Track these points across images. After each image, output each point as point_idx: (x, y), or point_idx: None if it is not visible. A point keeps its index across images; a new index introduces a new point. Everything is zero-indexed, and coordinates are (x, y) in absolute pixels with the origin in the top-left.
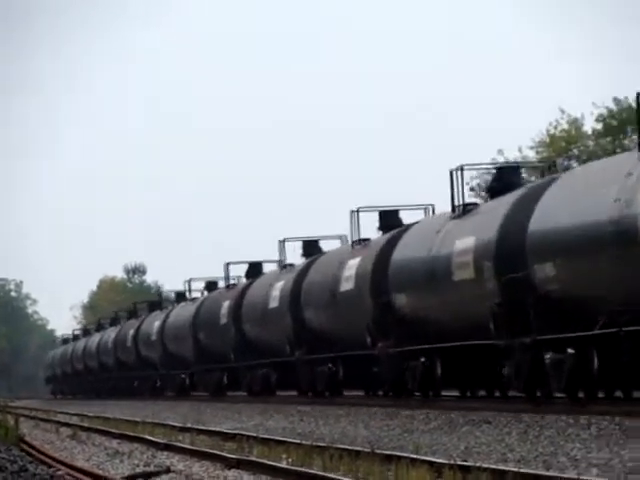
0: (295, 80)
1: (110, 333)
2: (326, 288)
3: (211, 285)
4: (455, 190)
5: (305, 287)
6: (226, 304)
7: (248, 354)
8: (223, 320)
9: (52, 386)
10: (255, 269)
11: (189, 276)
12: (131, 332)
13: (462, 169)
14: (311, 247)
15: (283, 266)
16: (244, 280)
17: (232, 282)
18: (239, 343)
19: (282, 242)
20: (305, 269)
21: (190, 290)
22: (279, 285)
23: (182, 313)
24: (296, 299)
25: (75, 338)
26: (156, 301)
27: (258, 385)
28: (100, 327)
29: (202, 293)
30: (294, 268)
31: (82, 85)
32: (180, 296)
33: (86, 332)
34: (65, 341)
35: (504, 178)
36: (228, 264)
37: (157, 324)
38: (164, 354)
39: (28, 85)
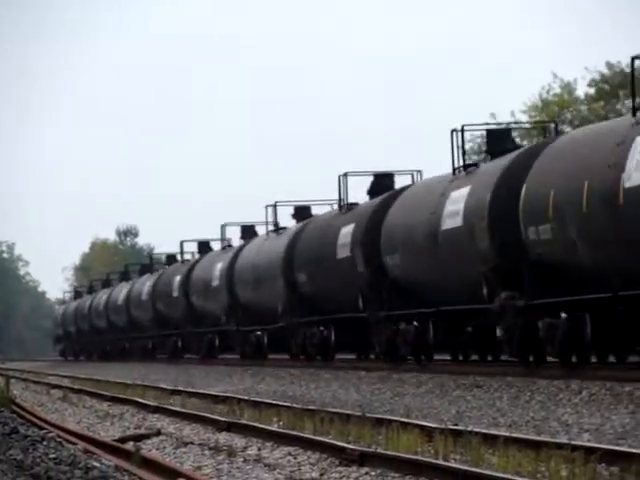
0: (286, 46)
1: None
2: (319, 253)
3: (203, 246)
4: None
5: (297, 252)
6: (219, 266)
7: (241, 317)
8: (215, 283)
9: (63, 346)
10: (249, 231)
11: (181, 239)
12: (122, 294)
13: (463, 130)
14: (303, 211)
15: (274, 230)
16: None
17: (226, 244)
18: (231, 306)
19: (274, 206)
20: (297, 233)
21: (182, 252)
22: (270, 248)
23: (174, 275)
24: (289, 263)
25: (91, 291)
26: (147, 264)
27: (250, 348)
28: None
29: (193, 255)
30: (286, 231)
31: (79, 47)
32: (171, 258)
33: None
34: (78, 294)
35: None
36: (224, 225)
37: (148, 285)
38: (155, 316)
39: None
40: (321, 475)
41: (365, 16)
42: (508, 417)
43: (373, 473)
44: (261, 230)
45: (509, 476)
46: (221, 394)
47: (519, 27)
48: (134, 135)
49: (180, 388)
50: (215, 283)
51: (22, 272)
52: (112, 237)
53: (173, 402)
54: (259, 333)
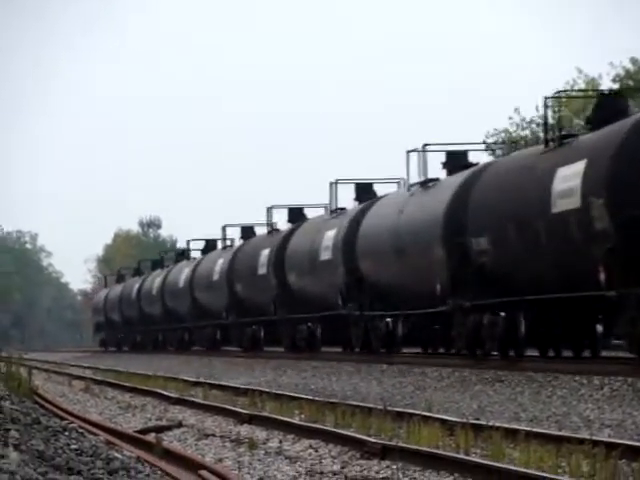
0: (286, 54)
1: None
2: (307, 254)
3: (209, 245)
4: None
5: (288, 252)
6: (220, 263)
7: (239, 312)
8: (215, 278)
9: (103, 335)
10: (248, 232)
11: (204, 231)
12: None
13: (424, 149)
14: (296, 214)
15: (269, 231)
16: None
17: (228, 243)
18: (231, 301)
19: (270, 209)
20: (288, 235)
21: (190, 250)
22: (266, 251)
23: (180, 272)
24: (280, 263)
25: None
26: (158, 259)
27: (248, 341)
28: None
29: (200, 253)
30: (280, 233)
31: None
32: (180, 256)
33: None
34: (121, 277)
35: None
36: (225, 226)
37: (158, 281)
38: (164, 310)
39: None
40: (342, 468)
41: (360, 24)
42: (529, 412)
43: (394, 466)
44: (259, 231)
45: (530, 471)
46: (243, 386)
47: (544, 23)
48: (156, 129)
49: (202, 380)
50: (215, 278)
51: (45, 263)
52: (135, 228)
53: (195, 394)
54: (254, 327)
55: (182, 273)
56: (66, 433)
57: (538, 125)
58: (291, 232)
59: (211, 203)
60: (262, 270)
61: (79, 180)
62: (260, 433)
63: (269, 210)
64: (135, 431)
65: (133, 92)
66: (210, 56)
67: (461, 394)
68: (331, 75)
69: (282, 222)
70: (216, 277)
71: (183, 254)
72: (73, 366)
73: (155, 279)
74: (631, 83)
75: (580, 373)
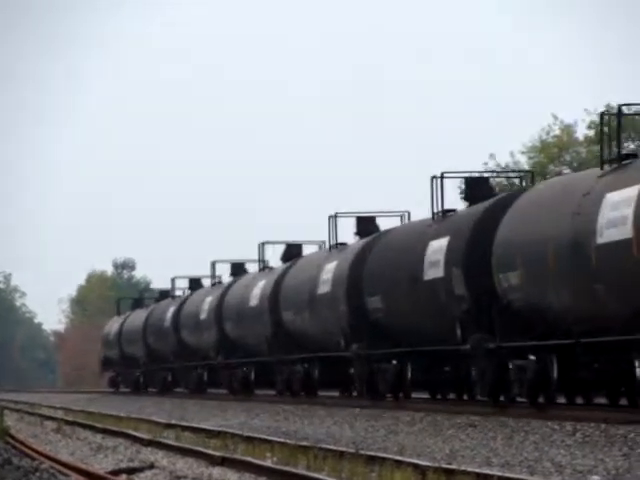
0: (281, 86)
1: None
2: (304, 290)
3: (194, 283)
4: (435, 196)
5: (226, 303)
6: (208, 301)
7: (229, 352)
8: (203, 316)
9: (111, 375)
10: (239, 269)
11: (177, 272)
12: (114, 328)
13: (442, 176)
14: (292, 251)
15: (213, 284)
16: (228, 279)
17: (217, 280)
18: (220, 341)
19: (262, 245)
20: (284, 271)
21: (174, 288)
22: (209, 299)
23: (164, 310)
24: (219, 312)
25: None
26: (139, 298)
27: (237, 383)
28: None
29: (184, 292)
30: (220, 286)
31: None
32: (164, 294)
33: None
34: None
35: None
36: (214, 262)
37: (141, 319)
38: (147, 350)
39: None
40: None
41: (367, 53)
42: (501, 457)
43: None
44: (251, 268)
45: None
46: (215, 428)
47: (520, 67)
48: (131, 171)
49: (174, 422)
50: (203, 317)
51: (18, 303)
52: (109, 269)
53: (167, 435)
54: (245, 369)
55: (167, 312)
56: (37, 474)
57: (513, 171)
58: (229, 285)
59: (191, 243)
60: (204, 317)
61: (53, 220)
62: (232, 475)
63: (261, 246)
64: (107, 472)
65: (109, 124)
66: (199, 86)
67: (433, 438)
68: (322, 106)
69: (274, 259)
70: (204, 316)
71: (167, 293)
72: (45, 406)
73: (135, 318)
74: (606, 130)
75: (553, 419)
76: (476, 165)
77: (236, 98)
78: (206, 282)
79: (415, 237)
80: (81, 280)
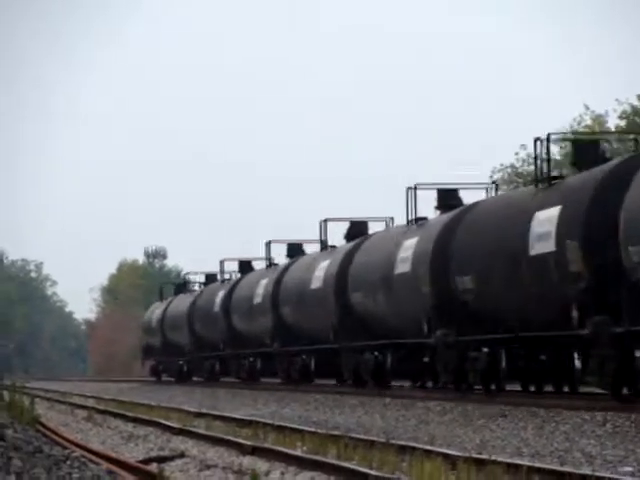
0: (274, 95)
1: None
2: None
3: (245, 266)
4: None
5: (283, 285)
6: (262, 284)
7: (286, 339)
8: (257, 300)
9: (153, 363)
10: (296, 250)
11: (210, 262)
12: (156, 314)
13: (416, 188)
14: (295, 249)
15: (268, 265)
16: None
17: (271, 262)
18: (277, 327)
19: (268, 243)
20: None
21: (223, 271)
22: (264, 282)
23: (213, 294)
24: (276, 296)
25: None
26: (183, 282)
27: (296, 372)
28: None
29: (231, 275)
30: (277, 268)
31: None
32: (210, 277)
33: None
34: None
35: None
36: (223, 261)
37: (185, 305)
38: (163, 340)
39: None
40: None
41: (373, 50)
42: (532, 447)
43: None
44: (258, 265)
45: None
46: (245, 418)
47: (552, 58)
48: (162, 158)
49: (204, 411)
50: (215, 310)
51: (49, 292)
52: (140, 258)
53: (197, 425)
54: (305, 357)
55: (215, 296)
56: (68, 462)
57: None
58: (287, 266)
59: (211, 235)
60: (258, 302)
61: (84, 209)
62: (262, 464)
63: (267, 245)
64: (137, 461)
65: (136, 124)
66: (208, 91)
67: (464, 428)
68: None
69: (281, 257)
70: (216, 309)
71: (215, 276)
72: (76, 395)
73: (179, 304)
74: (638, 120)
75: (583, 409)
76: (509, 157)
77: (249, 99)
78: (258, 265)
79: (516, 208)
80: (112, 269)
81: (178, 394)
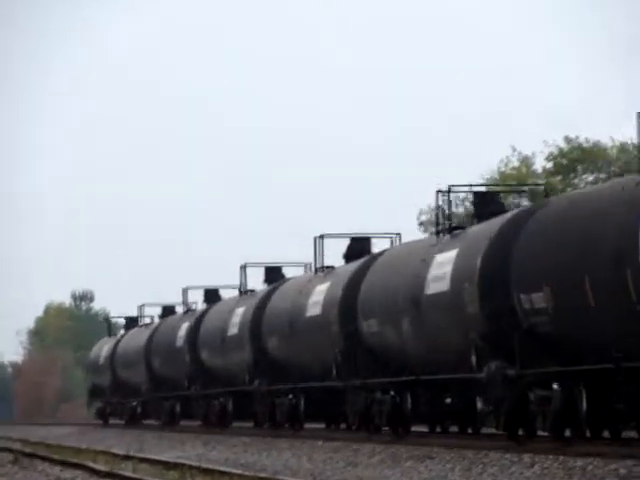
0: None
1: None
2: (289, 315)
3: (167, 310)
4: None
5: (267, 314)
6: (184, 328)
7: (205, 382)
8: (179, 343)
9: (103, 404)
10: (213, 295)
11: (139, 303)
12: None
13: (450, 190)
14: (274, 273)
15: (244, 292)
16: (201, 306)
17: (190, 307)
18: (195, 370)
19: (243, 267)
20: (202, 314)
21: (142, 316)
22: (184, 326)
23: (135, 338)
24: (257, 327)
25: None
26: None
27: (214, 415)
28: None
29: (152, 319)
30: (195, 312)
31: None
32: (132, 321)
33: None
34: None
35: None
36: (186, 289)
37: (106, 349)
38: (113, 380)
39: None
40: None
41: (341, 70)
42: None
43: None
44: (225, 294)
45: None
46: (173, 460)
47: (477, 98)
48: (92, 197)
49: (132, 454)
50: (179, 344)
51: None
52: (67, 301)
53: (124, 467)
54: (222, 399)
55: (103, 349)
56: None
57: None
58: (205, 311)
59: (135, 277)
60: (234, 334)
61: (9, 250)
62: None
63: (185, 291)
64: None
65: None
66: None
67: (392, 470)
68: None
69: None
70: (180, 344)
71: (135, 321)
72: (1, 438)
73: (103, 347)
74: (564, 162)
75: (510, 451)
76: (433, 198)
77: (220, 112)
78: (179, 309)
79: (416, 254)
80: (39, 312)
81: (107, 437)
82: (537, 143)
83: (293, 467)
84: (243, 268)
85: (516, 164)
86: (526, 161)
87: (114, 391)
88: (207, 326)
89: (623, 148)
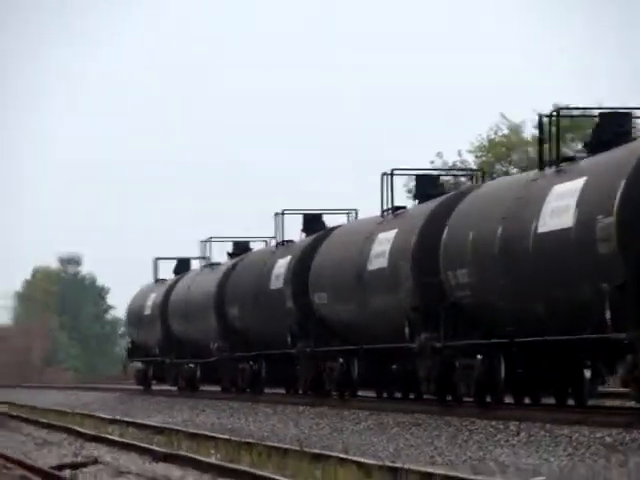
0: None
1: None
2: (251, 287)
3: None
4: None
5: (229, 286)
6: (152, 298)
7: (174, 349)
8: (147, 312)
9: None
10: (184, 265)
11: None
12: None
13: (392, 173)
14: (240, 248)
15: (209, 264)
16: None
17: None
18: (165, 338)
19: (205, 241)
20: (231, 268)
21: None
22: (152, 296)
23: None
24: (221, 297)
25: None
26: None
27: (183, 380)
28: None
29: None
30: (219, 267)
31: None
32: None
33: None
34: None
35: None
36: (157, 259)
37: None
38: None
39: None
40: None
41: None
42: (445, 456)
43: None
44: (195, 265)
45: None
46: (159, 425)
47: (468, 67)
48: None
49: (118, 417)
50: (148, 313)
51: None
52: (54, 264)
53: (111, 431)
54: (192, 366)
55: (149, 297)
56: None
57: (460, 170)
58: (175, 282)
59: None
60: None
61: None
62: (176, 471)
63: (155, 261)
64: (50, 467)
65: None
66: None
67: (378, 437)
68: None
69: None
70: (148, 313)
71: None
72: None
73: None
74: (554, 130)
75: (496, 419)
76: (424, 163)
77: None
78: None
79: (363, 232)
80: (27, 275)
81: (90, 400)
82: (527, 111)
83: (279, 433)
84: (205, 242)
85: (506, 132)
86: (515, 129)
87: (166, 350)
88: (175, 297)
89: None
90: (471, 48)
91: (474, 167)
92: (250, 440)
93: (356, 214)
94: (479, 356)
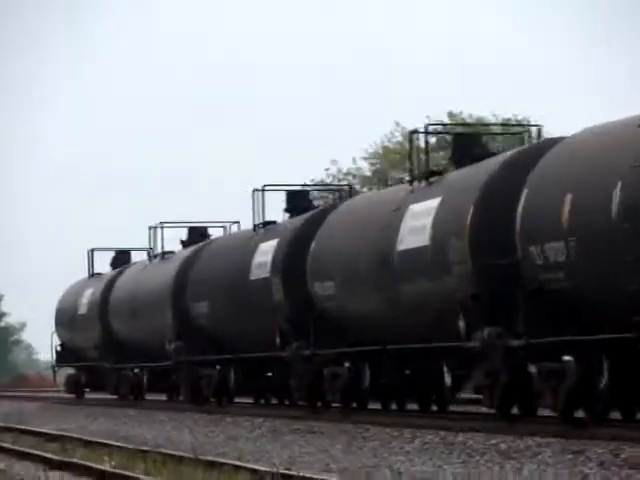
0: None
1: None
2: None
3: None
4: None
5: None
6: (87, 295)
7: (115, 353)
8: (82, 311)
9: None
10: (123, 258)
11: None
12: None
13: (264, 190)
14: (122, 258)
15: (161, 254)
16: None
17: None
18: (104, 340)
19: (154, 227)
20: (113, 278)
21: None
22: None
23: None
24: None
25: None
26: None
27: (127, 387)
28: None
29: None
30: (175, 256)
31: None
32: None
33: None
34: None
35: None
36: (93, 250)
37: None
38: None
39: None
40: None
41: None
42: (340, 463)
43: None
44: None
45: None
46: (53, 432)
47: (362, 74)
48: None
49: (12, 425)
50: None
51: None
52: None
53: (4, 439)
54: (137, 371)
55: (83, 294)
56: None
57: (354, 177)
58: (116, 275)
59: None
60: (83, 313)
61: None
62: (70, 479)
63: (90, 252)
64: None
65: None
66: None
67: (273, 444)
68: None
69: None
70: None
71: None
72: None
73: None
74: (448, 137)
75: (392, 425)
76: (319, 172)
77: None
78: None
79: (242, 243)
80: None
81: None
82: (421, 118)
83: (174, 440)
84: (154, 229)
85: (400, 139)
86: (409, 136)
87: (105, 353)
88: (117, 293)
89: (506, 125)
90: (379, 52)
91: (369, 174)
92: (144, 447)
93: (238, 226)
94: (346, 364)
